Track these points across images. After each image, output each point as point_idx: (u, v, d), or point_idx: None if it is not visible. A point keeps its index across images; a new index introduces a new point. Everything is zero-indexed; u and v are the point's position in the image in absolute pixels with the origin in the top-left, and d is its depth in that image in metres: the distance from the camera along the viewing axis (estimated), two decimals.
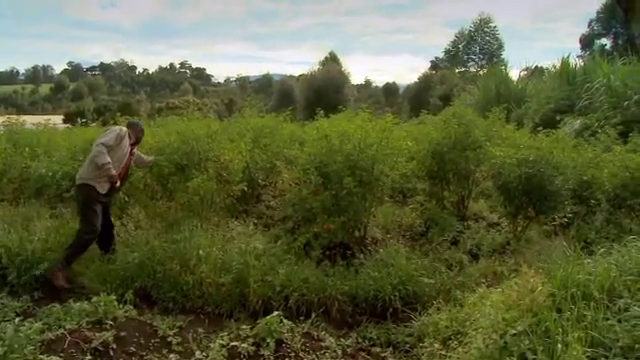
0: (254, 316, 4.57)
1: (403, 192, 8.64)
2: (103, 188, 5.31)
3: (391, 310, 4.66)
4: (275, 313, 4.07)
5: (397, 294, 4.71)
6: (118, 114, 7.47)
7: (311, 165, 5.88)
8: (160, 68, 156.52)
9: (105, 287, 4.69)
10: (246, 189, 6.51)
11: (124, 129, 5.62)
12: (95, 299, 4.20)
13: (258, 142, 7.82)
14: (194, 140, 6.57)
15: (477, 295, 4.01)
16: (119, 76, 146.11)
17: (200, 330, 4.33)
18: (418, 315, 4.40)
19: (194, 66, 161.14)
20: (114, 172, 5.26)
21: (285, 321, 4.09)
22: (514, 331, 3.04)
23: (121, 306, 4.30)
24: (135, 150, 5.85)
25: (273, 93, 52.37)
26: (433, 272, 5.08)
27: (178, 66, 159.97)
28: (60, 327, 3.85)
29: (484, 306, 3.58)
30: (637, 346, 2.45)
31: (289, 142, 8.86)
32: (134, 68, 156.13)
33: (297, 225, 6.47)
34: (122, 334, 3.90)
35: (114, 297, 4.28)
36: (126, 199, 6.54)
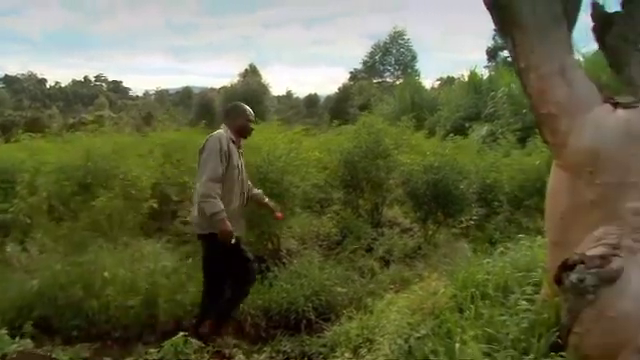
0: (166, 337, 4.34)
1: (321, 202, 8.68)
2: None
3: (305, 321, 4.60)
4: (181, 334, 3.91)
5: (310, 305, 4.66)
6: (20, 131, 7.01)
7: None
8: (74, 81, 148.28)
9: None
10: (157, 206, 6.26)
11: (216, 135, 3.96)
12: None
13: (170, 157, 7.58)
14: (99, 157, 6.27)
15: (385, 301, 4.07)
16: (28, 89, 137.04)
17: (107, 359, 4.10)
18: (331, 325, 4.39)
19: (110, 79, 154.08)
20: (228, 226, 3.82)
21: (194, 341, 3.94)
22: (418, 335, 3.10)
23: (17, 339, 3.94)
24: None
25: (192, 106, 51.09)
26: (346, 280, 5.09)
27: (93, 79, 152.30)
28: None
29: (391, 312, 3.64)
30: (522, 337, 2.57)
31: None
32: (44, 81, 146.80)
33: None
34: None
35: (5, 331, 3.92)
36: (28, 221, 6.10)
